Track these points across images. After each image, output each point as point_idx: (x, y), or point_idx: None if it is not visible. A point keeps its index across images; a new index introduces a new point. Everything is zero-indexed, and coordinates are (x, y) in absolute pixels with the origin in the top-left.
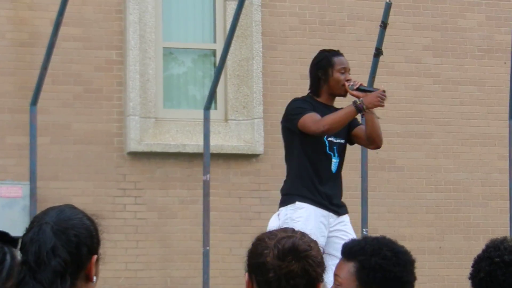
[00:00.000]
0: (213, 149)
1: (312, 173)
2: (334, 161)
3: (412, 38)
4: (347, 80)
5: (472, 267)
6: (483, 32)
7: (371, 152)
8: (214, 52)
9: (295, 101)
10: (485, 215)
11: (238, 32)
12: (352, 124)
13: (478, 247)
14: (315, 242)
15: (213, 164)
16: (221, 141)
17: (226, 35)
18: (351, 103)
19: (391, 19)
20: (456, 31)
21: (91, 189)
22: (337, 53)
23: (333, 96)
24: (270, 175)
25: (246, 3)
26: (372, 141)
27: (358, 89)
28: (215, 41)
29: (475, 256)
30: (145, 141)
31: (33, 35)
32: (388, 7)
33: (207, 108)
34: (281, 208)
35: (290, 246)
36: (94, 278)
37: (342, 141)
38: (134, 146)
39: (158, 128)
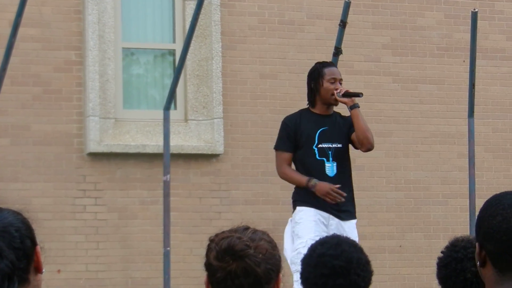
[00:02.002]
0: (173, 150)
1: None
2: (329, 165)
3: (371, 37)
4: (336, 89)
5: (449, 268)
6: (442, 31)
7: None
8: (173, 52)
9: (282, 124)
10: (445, 213)
11: (197, 32)
12: (351, 129)
13: (438, 246)
14: (261, 239)
15: (173, 164)
16: (181, 141)
17: (185, 35)
18: (307, 178)
19: (350, 18)
20: (415, 30)
21: (51, 190)
22: (328, 64)
23: (327, 105)
24: (230, 175)
25: (205, 3)
26: (361, 143)
27: (344, 95)
28: (174, 41)
29: (450, 257)
30: (105, 141)
31: None
32: (347, 6)
33: (166, 108)
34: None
35: (226, 247)
36: (44, 270)
37: (339, 145)
38: (94, 147)
39: (118, 129)
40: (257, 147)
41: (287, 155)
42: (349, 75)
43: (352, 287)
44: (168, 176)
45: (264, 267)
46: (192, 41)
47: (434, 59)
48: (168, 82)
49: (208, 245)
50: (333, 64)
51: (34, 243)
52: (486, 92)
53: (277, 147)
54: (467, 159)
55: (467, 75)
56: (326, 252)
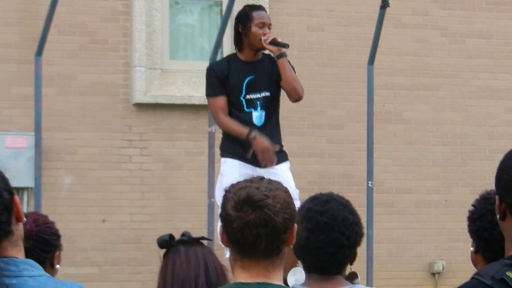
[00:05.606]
0: None
1: None
2: (257, 114)
3: None
4: (264, 35)
5: (484, 220)
6: None
7: (377, 105)
8: (220, 3)
9: (207, 71)
10: (491, 168)
11: None
12: (280, 76)
13: None
14: (277, 189)
15: None
16: None
17: None
18: (248, 130)
19: None
20: None
21: (97, 140)
22: (257, 7)
23: (254, 50)
24: None
25: None
26: (289, 94)
27: (271, 43)
28: None
29: (485, 209)
30: (151, 92)
31: None
32: None
33: (213, 59)
34: None
35: (244, 197)
36: (25, 219)
37: (268, 93)
38: (140, 98)
39: (164, 80)
40: (304, 99)
41: (221, 99)
42: (397, 29)
43: (334, 244)
44: (214, 127)
45: (282, 217)
46: None
47: (483, 13)
48: (215, 32)
49: (225, 196)
50: (262, 7)
51: (11, 193)
52: None
53: (209, 93)
54: None
55: None
56: (313, 207)
